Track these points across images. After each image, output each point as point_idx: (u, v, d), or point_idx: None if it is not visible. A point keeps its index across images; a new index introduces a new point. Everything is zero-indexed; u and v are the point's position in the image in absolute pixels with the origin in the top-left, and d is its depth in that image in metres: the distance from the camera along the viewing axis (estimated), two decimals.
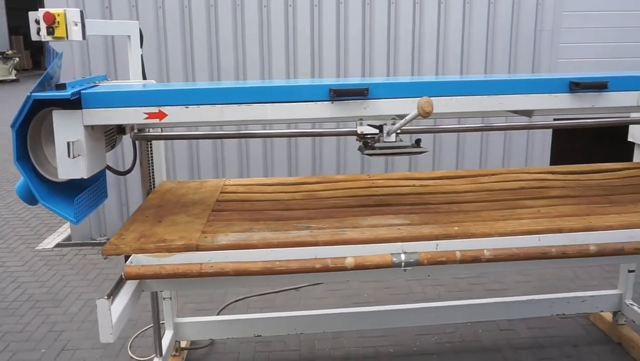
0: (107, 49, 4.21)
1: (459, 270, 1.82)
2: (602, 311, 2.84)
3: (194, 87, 1.85)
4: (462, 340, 2.76)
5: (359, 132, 1.91)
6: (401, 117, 1.81)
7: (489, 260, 1.71)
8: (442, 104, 1.84)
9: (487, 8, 4.47)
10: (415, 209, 2.03)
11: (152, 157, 2.27)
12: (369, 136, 1.92)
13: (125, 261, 1.59)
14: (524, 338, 2.79)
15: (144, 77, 2.30)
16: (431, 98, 1.66)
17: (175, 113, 1.75)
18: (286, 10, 4.28)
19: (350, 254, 1.66)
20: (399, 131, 1.90)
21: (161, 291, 2.38)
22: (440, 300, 2.76)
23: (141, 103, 1.73)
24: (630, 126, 2.67)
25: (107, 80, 2.14)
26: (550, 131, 4.77)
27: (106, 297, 1.45)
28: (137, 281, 1.63)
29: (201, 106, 1.76)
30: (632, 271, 2.77)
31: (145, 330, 2.82)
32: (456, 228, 1.81)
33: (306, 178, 2.48)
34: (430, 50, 4.48)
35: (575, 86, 1.88)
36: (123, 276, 1.55)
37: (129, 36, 2.24)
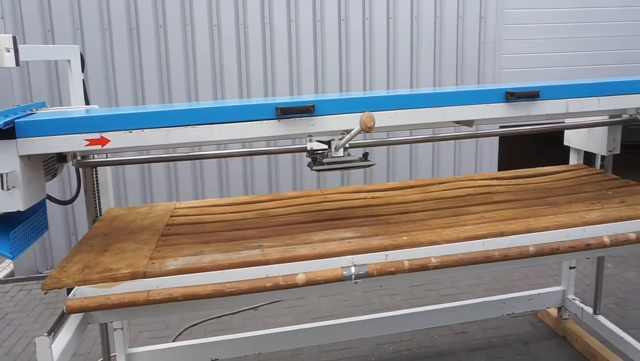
0: (50, 73, 4.08)
1: (412, 279, 1.86)
2: (548, 307, 2.98)
3: (137, 110, 1.82)
4: (419, 346, 2.82)
5: (308, 148, 1.94)
6: (349, 132, 1.86)
7: (436, 267, 1.76)
8: (386, 118, 1.90)
9: (433, 23, 4.66)
10: (366, 221, 2.07)
11: (97, 183, 2.21)
12: (318, 152, 1.95)
13: (68, 294, 1.53)
14: (478, 339, 2.87)
15: (87, 102, 2.25)
16: (374, 112, 1.72)
17: (118, 139, 1.71)
18: (237, 30, 4.30)
19: (301, 270, 1.67)
20: (347, 146, 1.94)
21: (111, 322, 2.30)
22: (398, 309, 2.80)
23: (81, 130, 1.69)
24: (565, 131, 2.83)
25: (46, 107, 2.08)
26: (497, 138, 5.00)
27: (46, 334, 1.38)
28: (82, 314, 1.57)
29: (145, 130, 1.73)
30: (573, 268, 2.92)
31: None
32: (405, 238, 1.86)
33: (259, 197, 2.47)
34: (381, 65, 4.61)
35: (511, 96, 1.99)
36: (65, 310, 1.49)
37: (69, 60, 2.19)
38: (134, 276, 1.61)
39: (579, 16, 5.00)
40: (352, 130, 1.81)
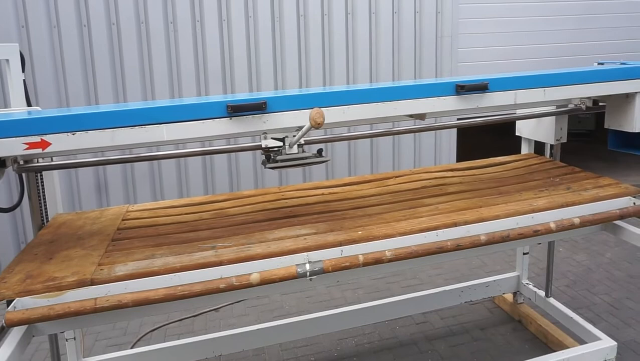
0: None
1: (373, 272, 1.87)
2: (504, 293, 3.07)
3: (80, 111, 1.74)
4: (381, 338, 2.86)
5: (263, 145, 1.92)
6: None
7: (390, 260, 1.78)
8: (339, 113, 1.90)
9: (391, 18, 4.71)
10: (322, 217, 2.07)
11: (42, 188, 2.11)
12: (273, 149, 1.93)
13: (8, 306, 1.46)
14: (438, 328, 2.94)
15: (29, 104, 2.15)
16: (327, 108, 1.71)
17: (60, 142, 1.64)
18: (194, 26, 4.21)
19: (255, 270, 1.65)
20: (302, 142, 1.93)
21: (61, 332, 2.21)
22: (360, 303, 2.83)
23: (19, 133, 1.60)
24: (517, 122, 2.91)
25: None
26: (454, 131, 5.10)
27: None
28: (25, 326, 1.50)
29: (90, 132, 1.67)
30: (527, 253, 3.02)
31: None
32: (360, 232, 1.87)
33: (215, 197, 2.43)
34: (340, 60, 4.62)
35: (461, 89, 2.02)
36: (4, 324, 1.42)
37: (7, 60, 2.08)
38: (80, 284, 1.55)
39: (532, 10, 5.17)
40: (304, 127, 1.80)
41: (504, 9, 5.09)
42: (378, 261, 1.76)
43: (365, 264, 1.74)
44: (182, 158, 4.33)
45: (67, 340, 2.27)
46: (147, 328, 3.04)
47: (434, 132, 5.02)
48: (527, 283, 3.00)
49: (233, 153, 4.46)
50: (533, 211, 2.02)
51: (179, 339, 2.59)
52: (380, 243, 1.82)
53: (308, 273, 1.67)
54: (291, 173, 4.62)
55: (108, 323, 2.94)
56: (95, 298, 1.50)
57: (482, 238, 1.90)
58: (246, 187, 4.51)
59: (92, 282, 1.55)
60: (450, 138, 5.12)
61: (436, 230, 1.90)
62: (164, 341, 2.86)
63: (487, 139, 8.38)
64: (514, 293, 3.06)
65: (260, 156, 4.51)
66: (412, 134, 4.95)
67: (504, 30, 5.11)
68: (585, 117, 8.05)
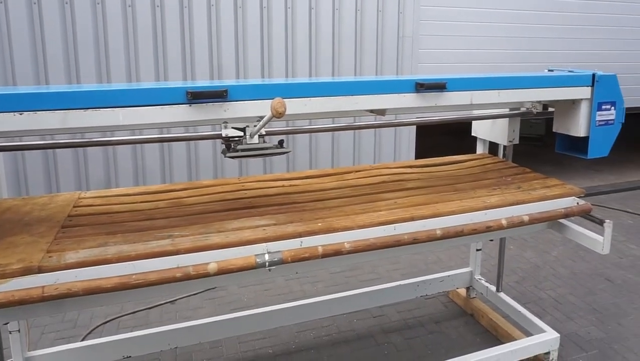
0: None
1: (332, 265, 1.88)
2: (457, 288, 3.17)
3: (29, 90, 1.65)
4: (339, 331, 2.89)
5: (223, 135, 1.89)
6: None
7: (349, 252, 1.80)
8: (300, 105, 1.89)
9: (354, 16, 4.73)
10: (282, 209, 2.06)
11: None
12: (234, 139, 1.90)
13: None
14: (394, 321, 3.00)
15: None
16: (288, 100, 1.70)
17: (6, 121, 1.54)
18: (181, 12, 4.09)
19: (213, 259, 1.63)
20: (263, 132, 1.91)
21: (5, 324, 2.10)
22: (319, 296, 2.84)
23: None
24: (473, 122, 3.00)
25: None
26: (414, 128, 5.21)
27: None
28: None
29: (39, 112, 1.58)
30: (479, 250, 3.13)
31: None
32: (320, 224, 1.87)
33: (172, 186, 2.38)
34: (303, 54, 4.60)
35: (420, 87, 2.06)
36: None
37: None
38: (26, 271, 1.47)
39: (491, 16, 5.33)
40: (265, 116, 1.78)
41: (464, 13, 5.23)
42: (337, 253, 1.78)
43: (325, 255, 1.75)
44: (139, 145, 4.20)
45: (10, 332, 2.15)
46: (98, 321, 2.94)
47: (394, 128, 5.10)
48: (479, 279, 3.11)
49: (192, 143, 4.36)
50: (486, 208, 2.10)
51: (131, 331, 2.51)
52: (340, 235, 1.83)
53: (267, 264, 1.66)
54: (251, 165, 4.58)
55: (56, 314, 2.82)
56: (43, 286, 1.44)
57: (438, 232, 1.95)
58: (205, 177, 4.43)
59: (40, 270, 1.48)
60: (409, 136, 5.22)
61: (394, 223, 1.93)
62: (116, 334, 2.77)
63: (445, 139, 8.62)
64: (467, 288, 3.17)
65: (220, 146, 4.48)
66: (373, 130, 5.01)
67: (464, 34, 5.26)
68: (536, 122, 8.42)
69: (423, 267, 3.75)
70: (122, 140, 2.48)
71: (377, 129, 5.03)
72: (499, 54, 5.41)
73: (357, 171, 2.66)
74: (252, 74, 4.49)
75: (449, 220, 2.00)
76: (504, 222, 2.06)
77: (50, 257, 1.56)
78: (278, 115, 1.60)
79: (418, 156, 5.20)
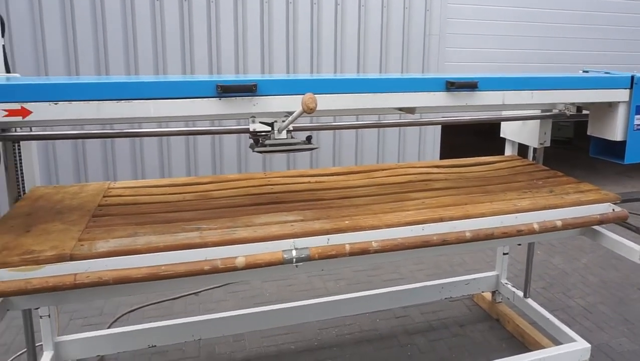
0: None
1: (356, 263, 1.86)
2: (483, 291, 3.11)
3: (65, 80, 1.68)
4: (361, 330, 2.87)
5: (251, 129, 1.88)
6: (293, 114, 1.81)
7: (377, 251, 1.77)
8: (330, 101, 1.87)
9: (380, 13, 4.69)
10: (308, 205, 2.05)
11: (20, 159, 2.04)
12: (261, 133, 1.90)
13: None
14: (418, 322, 2.96)
15: (7, 70, 2.06)
16: (318, 95, 1.68)
17: (41, 111, 1.57)
18: (181, 5, 4.12)
19: (241, 253, 1.63)
20: (291, 128, 1.90)
21: (36, 308, 2.15)
22: (341, 294, 2.83)
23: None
24: (502, 123, 2.94)
25: None
26: (439, 128, 5.14)
27: None
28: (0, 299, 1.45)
29: (73, 102, 1.60)
30: (506, 254, 3.06)
31: (20, 354, 2.54)
32: (347, 222, 1.85)
33: (199, 179, 2.39)
34: (329, 50, 4.59)
35: (451, 85, 2.02)
36: None
37: None
38: (59, 258, 1.50)
39: (519, 15, 5.21)
40: (295, 112, 1.77)
41: (493, 11, 5.12)
42: (364, 251, 1.75)
43: (352, 254, 1.73)
44: (165, 138, 4.26)
45: (41, 317, 2.21)
46: (124, 310, 2.99)
47: (419, 127, 5.04)
48: (506, 283, 3.05)
49: (217, 137, 4.40)
50: (517, 211, 2.04)
51: (156, 321, 2.55)
52: (367, 233, 1.81)
53: (294, 260, 1.65)
54: (275, 160, 4.59)
55: (86, 301, 2.87)
56: (75, 274, 1.46)
57: (468, 234, 1.91)
58: (229, 171, 4.46)
59: (72, 257, 1.51)
60: (434, 135, 5.15)
61: (422, 224, 1.90)
62: (141, 323, 2.81)
63: (471, 139, 8.48)
64: (493, 292, 3.10)
65: (244, 141, 4.51)
66: (398, 128, 4.96)
67: (493, 33, 5.16)
68: (565, 125, 8.21)
69: (448, 269, 3.70)
70: (151, 132, 2.50)
71: (401, 128, 4.98)
72: (529, 54, 5.29)
73: (383, 169, 2.62)
74: (277, 70, 4.50)
75: (478, 222, 1.96)
76: (535, 227, 2.00)
77: (82, 245, 1.59)
78: (309, 110, 1.58)
79: (442, 156, 5.14)
